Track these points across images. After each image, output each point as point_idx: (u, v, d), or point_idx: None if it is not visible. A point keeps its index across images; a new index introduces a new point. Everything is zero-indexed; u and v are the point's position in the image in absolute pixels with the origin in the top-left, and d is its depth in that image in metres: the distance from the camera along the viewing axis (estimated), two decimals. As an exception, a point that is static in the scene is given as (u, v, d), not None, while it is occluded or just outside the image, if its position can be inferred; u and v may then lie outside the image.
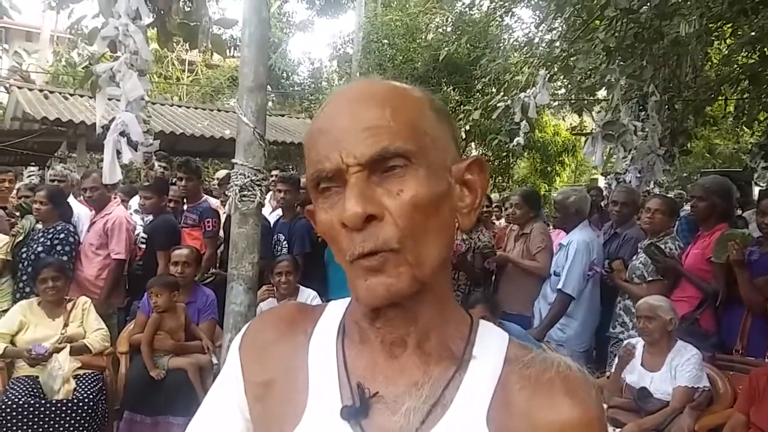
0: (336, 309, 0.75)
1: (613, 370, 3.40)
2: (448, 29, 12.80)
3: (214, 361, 3.76)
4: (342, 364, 0.68)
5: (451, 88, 12.37)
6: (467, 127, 7.04)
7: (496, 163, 14.18)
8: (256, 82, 2.75)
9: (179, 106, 11.79)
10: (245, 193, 2.60)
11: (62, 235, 4.15)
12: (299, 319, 0.75)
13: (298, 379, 0.69)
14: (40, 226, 4.27)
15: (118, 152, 3.32)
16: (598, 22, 5.53)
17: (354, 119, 0.62)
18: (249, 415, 0.71)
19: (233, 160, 2.73)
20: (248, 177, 2.60)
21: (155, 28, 3.68)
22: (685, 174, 12.37)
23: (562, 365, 0.66)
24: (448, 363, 0.67)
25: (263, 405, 0.70)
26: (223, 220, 4.68)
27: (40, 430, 3.28)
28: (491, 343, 0.69)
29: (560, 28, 6.55)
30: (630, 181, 5.75)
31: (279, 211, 4.91)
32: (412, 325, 0.66)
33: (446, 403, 0.64)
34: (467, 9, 12.32)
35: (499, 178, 14.80)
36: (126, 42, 3.15)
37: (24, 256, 4.12)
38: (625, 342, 3.50)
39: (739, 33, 6.62)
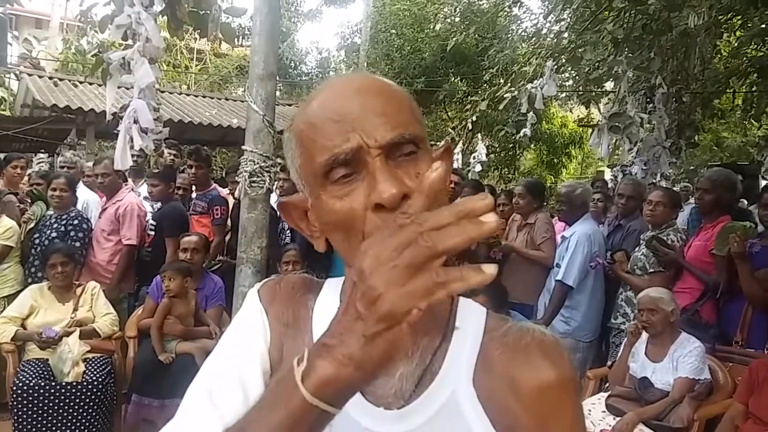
0: (333, 286, 0.79)
1: (617, 358, 3.44)
2: (456, 19, 12.73)
3: (221, 346, 3.82)
4: None
5: (459, 78, 12.35)
6: (474, 118, 7.03)
7: (502, 155, 14.17)
8: (266, 70, 2.78)
9: (188, 95, 11.84)
10: (254, 179, 2.65)
11: (76, 221, 4.21)
12: (308, 289, 0.80)
13: (306, 345, 0.73)
14: (51, 212, 4.33)
15: (131, 139, 3.37)
16: (606, 13, 5.51)
17: (365, 106, 0.65)
18: (270, 344, 0.74)
19: (243, 147, 2.77)
20: (257, 163, 2.65)
21: (165, 17, 3.70)
22: (692, 167, 12.31)
23: (537, 332, 0.72)
24: (434, 333, 0.72)
25: (279, 353, 0.74)
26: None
27: (51, 411, 3.35)
28: (472, 315, 0.75)
29: (568, 19, 6.53)
30: (636, 174, 5.76)
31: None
32: None
33: (435, 369, 0.69)
34: (475, -1, 12.28)
35: (505, 169, 14.79)
36: (139, 30, 3.18)
37: (37, 242, 4.18)
38: (622, 323, 3.54)
39: (749, 25, 6.57)
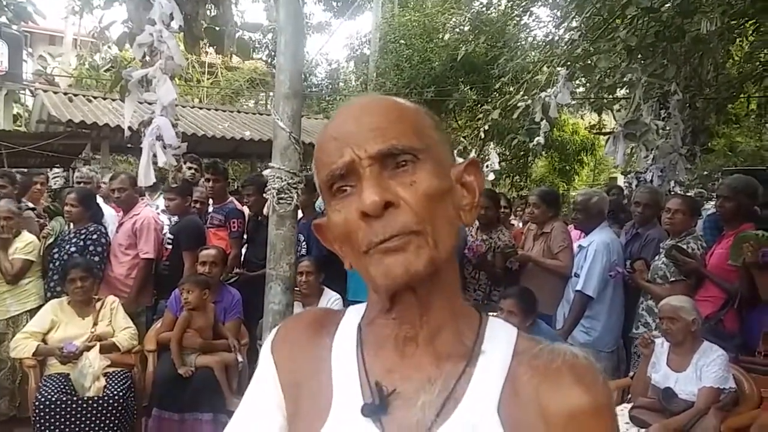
0: (353, 314, 0.79)
1: (637, 369, 3.40)
2: (466, 29, 12.77)
3: (240, 359, 3.82)
4: (361, 365, 0.72)
5: (469, 87, 12.34)
6: (486, 127, 7.02)
7: (513, 163, 14.12)
8: (292, 88, 2.82)
9: (200, 108, 11.95)
10: (282, 195, 2.68)
11: (95, 236, 4.24)
12: (325, 323, 0.79)
13: (323, 379, 0.73)
14: (71, 227, 4.37)
15: (154, 155, 3.40)
16: (618, 21, 5.49)
17: (361, 123, 0.67)
18: (285, 412, 0.75)
19: (270, 164, 2.80)
20: (285, 180, 2.68)
21: (182, 33, 3.75)
22: (705, 172, 12.23)
23: (569, 354, 0.68)
24: (459, 358, 0.69)
25: (295, 402, 0.74)
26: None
27: (73, 426, 3.36)
28: (500, 337, 0.72)
29: (580, 27, 6.52)
30: (651, 180, 5.72)
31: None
32: (424, 315, 0.69)
33: (458, 396, 0.67)
34: (485, 8, 12.30)
35: (517, 177, 14.75)
36: (160, 48, 3.23)
37: (56, 256, 4.22)
38: (643, 334, 3.51)
39: (762, 30, 6.55)
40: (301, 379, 0.75)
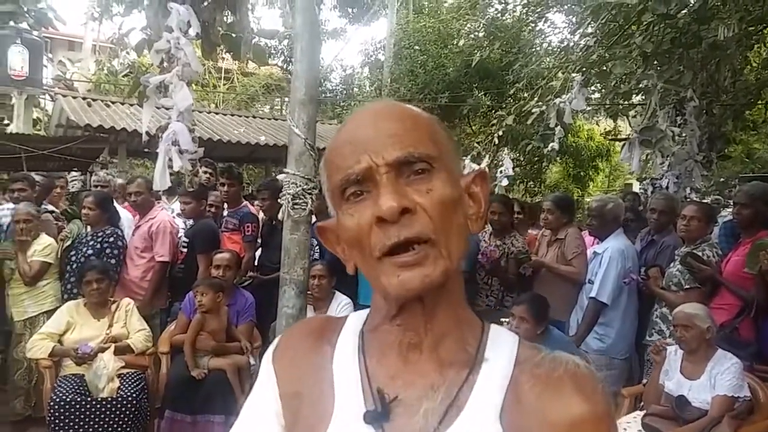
0: (355, 321, 0.79)
1: (650, 376, 3.37)
2: (480, 35, 12.76)
3: (252, 362, 3.85)
4: (364, 372, 0.72)
5: (483, 93, 12.32)
6: (500, 133, 7.01)
7: (528, 168, 14.05)
8: (307, 94, 2.85)
9: (216, 113, 12.07)
10: (297, 201, 2.71)
11: (111, 239, 4.30)
12: (326, 331, 0.79)
13: (325, 387, 0.73)
14: (88, 229, 4.43)
15: (170, 160, 3.45)
16: (634, 27, 5.47)
17: (378, 129, 0.68)
18: (284, 422, 0.76)
19: (285, 170, 2.83)
20: (300, 186, 2.71)
21: (200, 39, 3.80)
22: (722, 179, 12.08)
23: (570, 363, 0.69)
24: (462, 366, 0.70)
25: (295, 412, 0.75)
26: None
27: (87, 426, 3.40)
28: (502, 345, 0.72)
29: (595, 33, 6.50)
30: (667, 187, 5.67)
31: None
32: (429, 322, 0.70)
33: (461, 404, 0.67)
34: (499, 15, 12.29)
35: (531, 183, 14.68)
36: (178, 54, 3.28)
37: (73, 259, 4.28)
38: (656, 341, 3.48)
39: (780, 36, 6.49)
40: (302, 387, 0.75)
